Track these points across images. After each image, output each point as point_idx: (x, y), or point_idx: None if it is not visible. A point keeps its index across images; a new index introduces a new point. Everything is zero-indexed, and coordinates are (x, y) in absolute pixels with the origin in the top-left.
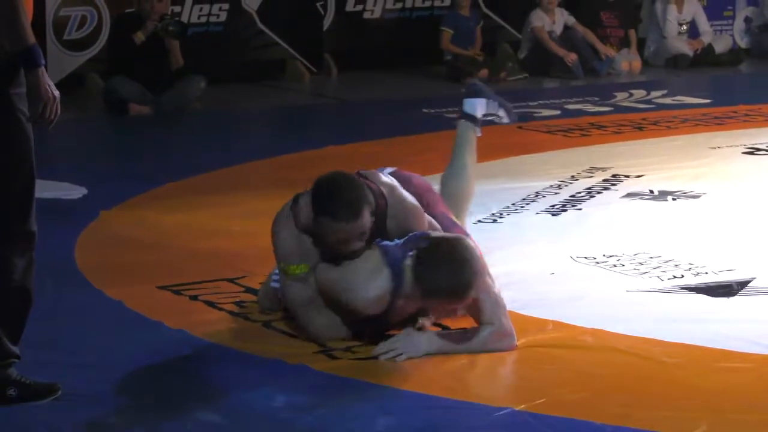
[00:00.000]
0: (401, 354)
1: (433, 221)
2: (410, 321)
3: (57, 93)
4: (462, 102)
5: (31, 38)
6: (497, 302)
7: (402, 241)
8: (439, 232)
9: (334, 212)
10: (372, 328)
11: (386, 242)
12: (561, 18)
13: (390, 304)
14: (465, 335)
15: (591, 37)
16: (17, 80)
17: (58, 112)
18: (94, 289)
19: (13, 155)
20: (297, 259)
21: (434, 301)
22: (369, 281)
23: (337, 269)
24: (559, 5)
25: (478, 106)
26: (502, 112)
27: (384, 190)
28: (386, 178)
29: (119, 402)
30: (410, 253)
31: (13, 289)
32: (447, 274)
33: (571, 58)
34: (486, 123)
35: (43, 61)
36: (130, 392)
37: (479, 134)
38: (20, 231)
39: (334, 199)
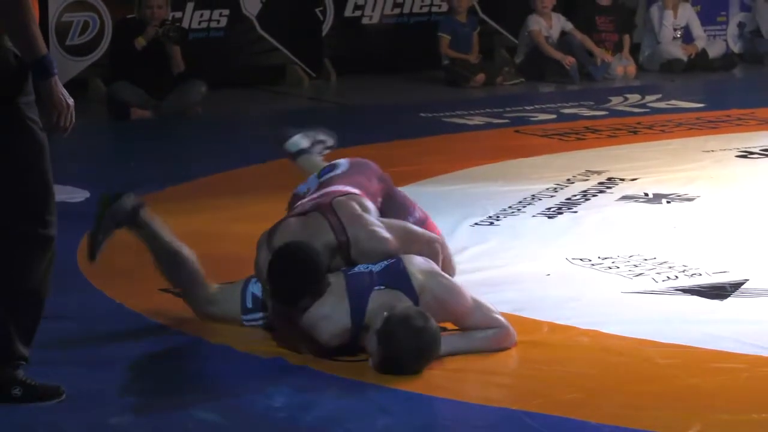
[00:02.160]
0: None
1: (409, 228)
2: None
3: (71, 101)
4: (286, 149)
5: (44, 48)
6: (488, 307)
7: (377, 268)
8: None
9: (275, 292)
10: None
11: (356, 269)
12: (558, 23)
13: (353, 334)
14: (473, 337)
15: (589, 43)
16: (26, 89)
17: (73, 120)
18: (95, 291)
19: (24, 162)
20: None
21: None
22: (329, 317)
23: None
24: (555, 10)
25: (300, 141)
26: (323, 136)
27: (346, 224)
28: (356, 208)
29: (120, 402)
30: (377, 287)
31: (29, 291)
32: (407, 357)
33: (569, 60)
34: (483, 126)
35: (56, 71)
36: (131, 392)
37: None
38: (37, 235)
39: (281, 282)
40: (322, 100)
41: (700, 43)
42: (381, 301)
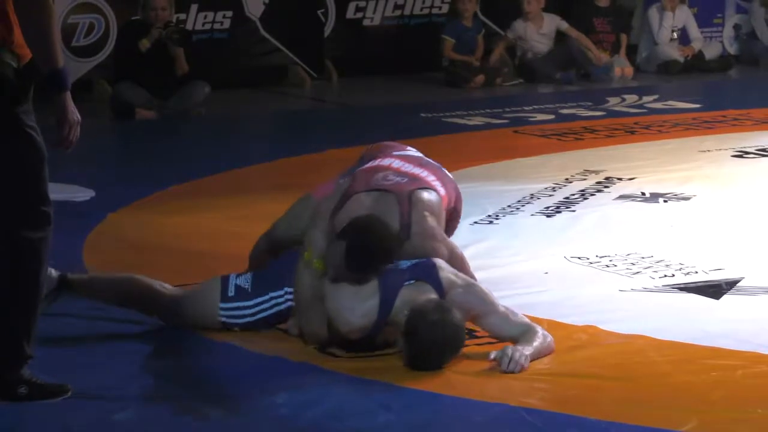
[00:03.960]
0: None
1: (460, 258)
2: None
3: (78, 117)
4: None
5: (62, 61)
6: (516, 313)
7: (409, 265)
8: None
9: (351, 253)
10: (357, 347)
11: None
12: (551, 23)
13: (373, 330)
14: (534, 342)
15: (585, 41)
16: (24, 100)
17: (77, 135)
18: None
19: (22, 167)
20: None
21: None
22: (356, 308)
23: (334, 286)
24: (546, 10)
25: None
26: None
27: (413, 228)
28: (430, 212)
29: (125, 399)
30: (407, 282)
31: (25, 292)
32: (431, 351)
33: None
34: (482, 127)
35: (70, 85)
36: (135, 389)
37: None
38: (31, 239)
39: (359, 258)
40: (324, 101)
41: (697, 45)
42: (408, 297)
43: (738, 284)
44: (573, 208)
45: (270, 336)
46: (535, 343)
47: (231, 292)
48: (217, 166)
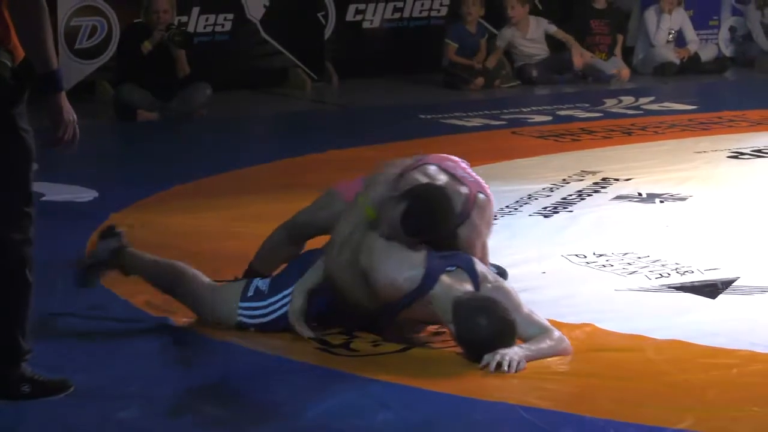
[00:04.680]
0: (518, 364)
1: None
2: (413, 323)
3: (74, 116)
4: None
5: (56, 63)
6: (538, 316)
7: (447, 254)
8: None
9: (407, 228)
10: (380, 318)
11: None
12: (539, 27)
13: (404, 300)
14: (541, 343)
15: (572, 42)
16: (19, 101)
17: (77, 134)
18: (103, 288)
19: (8, 168)
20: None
21: (463, 343)
22: (404, 268)
23: (386, 243)
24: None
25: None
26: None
27: (464, 224)
28: (485, 226)
29: (127, 396)
30: (449, 268)
31: (16, 290)
32: (487, 333)
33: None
34: (481, 128)
35: (64, 86)
36: (137, 387)
37: None
38: (13, 240)
39: (417, 221)
40: (324, 102)
41: (693, 47)
42: (447, 283)
43: (733, 284)
44: (570, 208)
45: (270, 336)
46: (542, 345)
47: (250, 293)
48: (218, 167)
